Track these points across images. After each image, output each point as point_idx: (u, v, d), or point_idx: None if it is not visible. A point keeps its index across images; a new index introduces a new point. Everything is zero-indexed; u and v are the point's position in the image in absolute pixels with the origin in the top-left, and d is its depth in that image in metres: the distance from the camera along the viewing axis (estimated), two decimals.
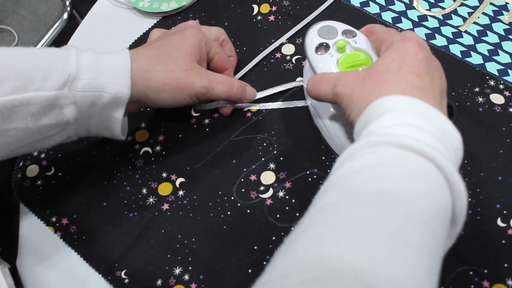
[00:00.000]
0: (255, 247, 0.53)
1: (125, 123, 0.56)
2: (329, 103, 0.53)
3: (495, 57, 0.63)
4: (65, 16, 1.21)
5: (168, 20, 0.74)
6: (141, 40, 0.72)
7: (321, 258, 0.31)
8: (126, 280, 0.53)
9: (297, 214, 0.55)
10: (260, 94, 0.63)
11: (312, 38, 0.54)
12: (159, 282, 0.53)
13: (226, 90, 0.57)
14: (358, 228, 0.32)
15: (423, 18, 0.68)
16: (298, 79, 0.64)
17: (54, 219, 0.58)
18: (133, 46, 0.71)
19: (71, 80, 0.48)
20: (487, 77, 0.61)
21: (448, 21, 0.67)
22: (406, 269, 0.30)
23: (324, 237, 0.33)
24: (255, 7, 0.72)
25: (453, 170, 0.36)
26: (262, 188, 0.57)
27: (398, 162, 0.37)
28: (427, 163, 0.37)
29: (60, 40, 1.18)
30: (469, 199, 0.54)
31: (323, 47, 0.53)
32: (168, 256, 0.54)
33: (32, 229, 0.59)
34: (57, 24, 1.20)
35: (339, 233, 0.32)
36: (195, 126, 0.63)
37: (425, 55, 0.45)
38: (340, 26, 0.54)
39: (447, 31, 0.66)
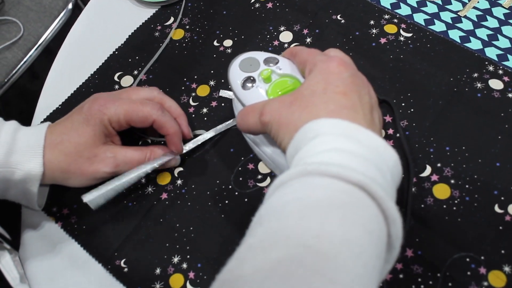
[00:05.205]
0: None
1: (45, 192, 0.58)
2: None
3: (494, 42, 0.62)
4: (70, 6, 1.22)
5: (167, 9, 0.74)
6: (141, 30, 0.72)
7: None
8: (126, 269, 0.54)
9: None
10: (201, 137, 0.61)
11: (236, 75, 0.52)
12: (157, 270, 0.54)
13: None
14: (285, 270, 0.31)
15: (422, 3, 0.67)
16: (230, 121, 0.62)
17: (54, 209, 0.59)
18: (133, 36, 0.72)
19: None
20: (486, 63, 0.61)
21: (448, 6, 0.66)
22: None
23: (249, 280, 0.31)
24: None
25: (385, 196, 0.35)
26: (259, 176, 0.57)
27: (325, 195, 0.35)
28: (358, 192, 0.35)
29: (66, 30, 1.18)
30: (467, 186, 0.53)
31: (249, 81, 0.51)
32: (167, 245, 0.55)
33: (34, 219, 0.59)
34: (62, 14, 1.20)
35: (264, 276, 0.31)
36: (193, 115, 0.63)
37: (350, 73, 0.44)
38: (261, 56, 0.52)
39: (446, 16, 0.65)
